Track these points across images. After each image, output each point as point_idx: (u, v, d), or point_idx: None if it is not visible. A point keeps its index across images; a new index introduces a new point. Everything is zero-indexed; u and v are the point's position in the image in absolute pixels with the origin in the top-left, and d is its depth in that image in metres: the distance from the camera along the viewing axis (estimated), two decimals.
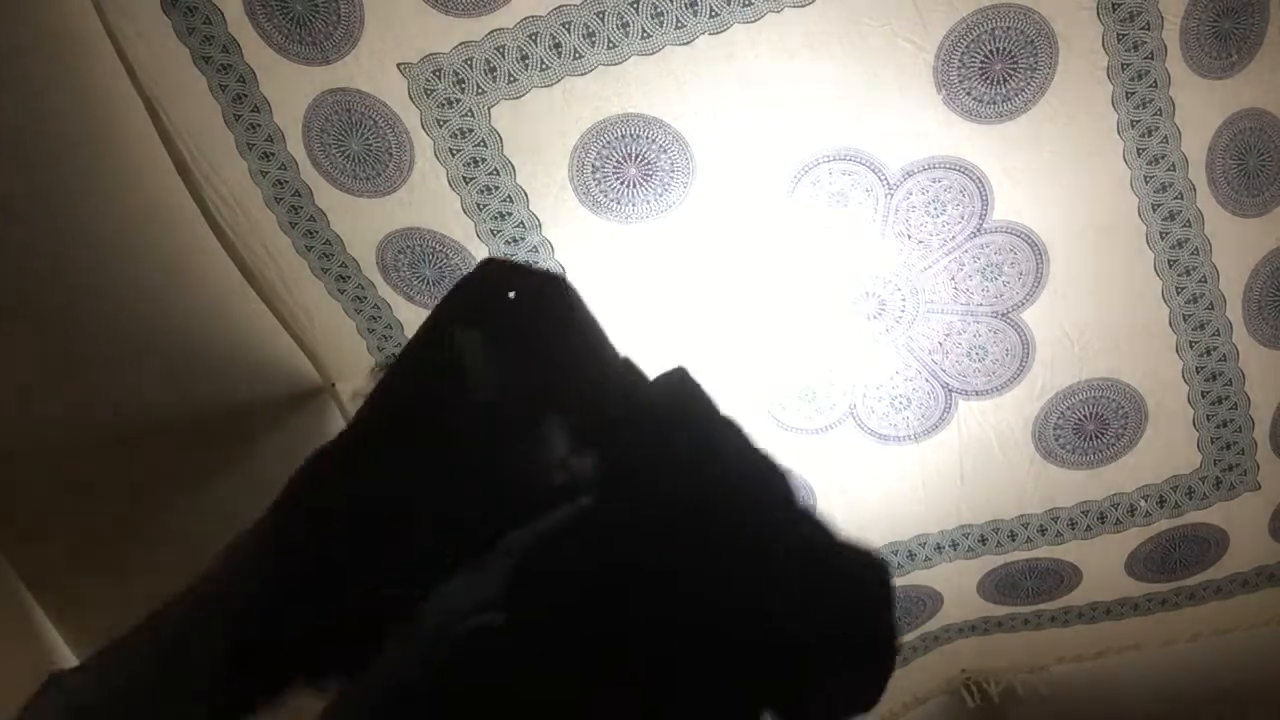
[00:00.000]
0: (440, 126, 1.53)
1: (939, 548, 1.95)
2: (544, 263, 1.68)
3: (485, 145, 1.55)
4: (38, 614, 1.84)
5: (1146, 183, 1.58)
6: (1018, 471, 1.85)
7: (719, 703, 0.63)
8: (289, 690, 0.63)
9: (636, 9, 1.43)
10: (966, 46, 1.47)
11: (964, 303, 1.71)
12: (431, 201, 1.60)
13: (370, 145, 1.54)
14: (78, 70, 1.43)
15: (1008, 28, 1.46)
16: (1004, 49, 1.47)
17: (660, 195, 1.60)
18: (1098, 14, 1.45)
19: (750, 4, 1.43)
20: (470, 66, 1.47)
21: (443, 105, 1.51)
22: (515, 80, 1.49)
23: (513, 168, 1.58)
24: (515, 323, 0.70)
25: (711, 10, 1.43)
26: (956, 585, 2.00)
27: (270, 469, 1.83)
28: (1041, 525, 1.90)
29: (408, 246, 1.66)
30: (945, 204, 1.62)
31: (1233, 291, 1.67)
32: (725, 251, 1.66)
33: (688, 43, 1.46)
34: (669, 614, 0.60)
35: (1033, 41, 1.47)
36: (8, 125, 1.43)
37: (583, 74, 1.48)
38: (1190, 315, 1.69)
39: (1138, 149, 1.56)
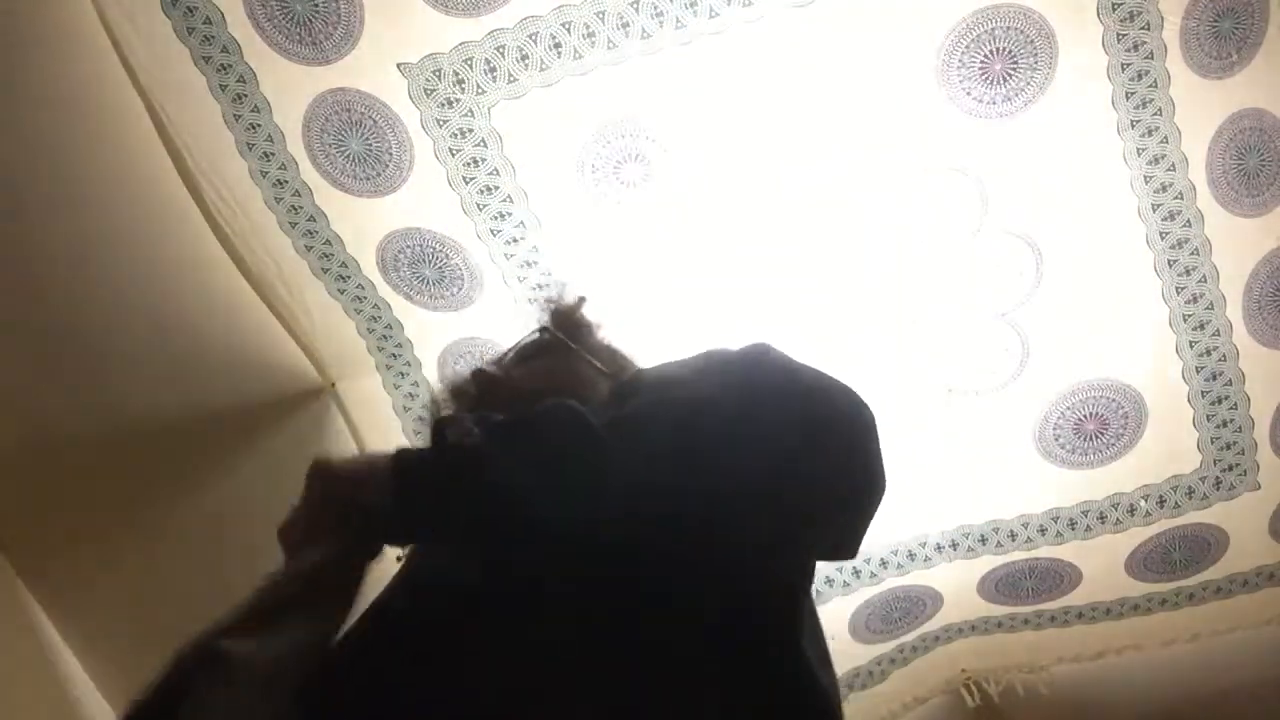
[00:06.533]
0: (440, 126, 1.53)
1: (939, 548, 1.95)
2: (543, 262, 1.68)
3: (485, 145, 1.55)
4: (38, 614, 1.84)
5: (1146, 183, 1.58)
6: (1018, 471, 1.84)
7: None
8: None
9: (636, 9, 1.43)
10: (966, 46, 1.47)
11: (964, 303, 1.71)
12: (431, 201, 1.60)
13: (370, 145, 1.54)
14: (78, 70, 1.43)
15: (1008, 28, 1.46)
16: (1004, 49, 1.47)
17: (660, 195, 1.60)
18: (1098, 14, 1.45)
19: (750, 4, 1.43)
20: (470, 66, 1.47)
21: (443, 105, 1.51)
22: (515, 80, 1.49)
23: (513, 168, 1.58)
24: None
25: (711, 10, 1.43)
26: (956, 585, 2.00)
27: (270, 469, 1.84)
28: (1041, 525, 1.90)
29: (408, 246, 1.66)
30: (945, 204, 1.62)
31: (1233, 291, 1.67)
32: (724, 252, 1.66)
33: (688, 43, 1.46)
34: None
35: (1033, 41, 1.47)
36: (8, 125, 1.42)
37: (583, 74, 1.48)
38: (1190, 315, 1.68)
39: (1138, 149, 1.56)
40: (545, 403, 0.74)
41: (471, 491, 0.70)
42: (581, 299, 1.13)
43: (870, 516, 0.81)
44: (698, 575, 0.69)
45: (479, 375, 1.01)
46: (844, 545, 0.82)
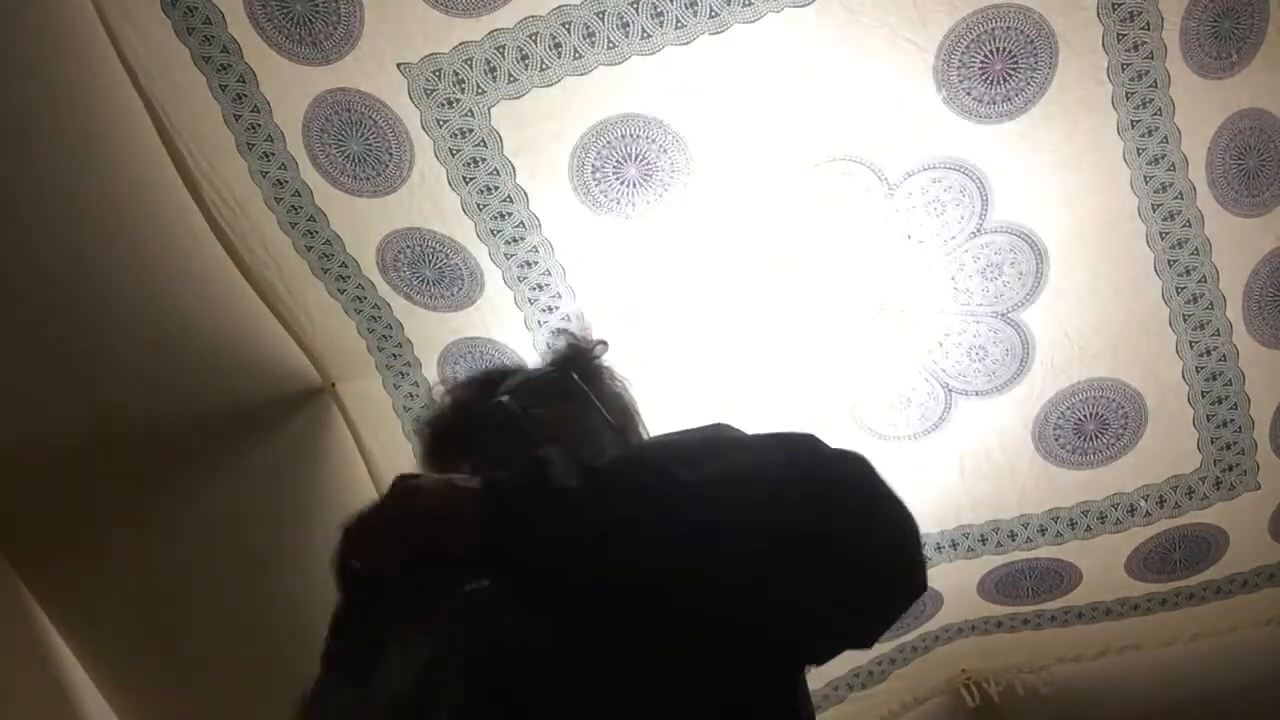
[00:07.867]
0: (440, 126, 1.53)
1: (939, 548, 1.95)
2: (544, 263, 1.68)
3: (485, 145, 1.55)
4: (38, 614, 1.84)
5: (1146, 183, 1.58)
6: (1018, 471, 1.84)
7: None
8: None
9: (636, 9, 1.43)
10: (966, 46, 1.47)
11: (964, 303, 1.71)
12: (431, 201, 1.60)
13: (370, 145, 1.54)
14: (78, 70, 1.43)
15: (1008, 28, 1.46)
16: (1004, 49, 1.47)
17: (660, 195, 1.60)
18: (1098, 14, 1.45)
19: (750, 4, 1.43)
20: (470, 66, 1.47)
21: (443, 105, 1.51)
22: (515, 80, 1.49)
23: (513, 168, 1.58)
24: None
25: (711, 10, 1.43)
26: (956, 585, 2.00)
27: (270, 469, 1.84)
28: (1041, 525, 1.90)
29: (408, 246, 1.66)
30: (945, 204, 1.62)
31: (1233, 291, 1.67)
32: (724, 252, 1.66)
33: (688, 43, 1.46)
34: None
35: (1033, 41, 1.47)
36: (8, 125, 1.43)
37: (583, 74, 1.48)
38: (1190, 315, 1.69)
39: (1138, 149, 1.56)
40: (634, 454, 0.75)
41: (566, 536, 0.69)
42: (603, 344, 1.15)
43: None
44: (758, 647, 0.71)
45: (500, 410, 1.00)
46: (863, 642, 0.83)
